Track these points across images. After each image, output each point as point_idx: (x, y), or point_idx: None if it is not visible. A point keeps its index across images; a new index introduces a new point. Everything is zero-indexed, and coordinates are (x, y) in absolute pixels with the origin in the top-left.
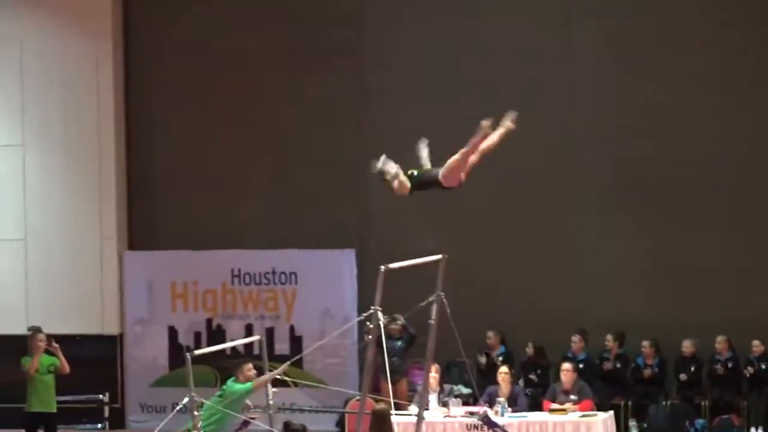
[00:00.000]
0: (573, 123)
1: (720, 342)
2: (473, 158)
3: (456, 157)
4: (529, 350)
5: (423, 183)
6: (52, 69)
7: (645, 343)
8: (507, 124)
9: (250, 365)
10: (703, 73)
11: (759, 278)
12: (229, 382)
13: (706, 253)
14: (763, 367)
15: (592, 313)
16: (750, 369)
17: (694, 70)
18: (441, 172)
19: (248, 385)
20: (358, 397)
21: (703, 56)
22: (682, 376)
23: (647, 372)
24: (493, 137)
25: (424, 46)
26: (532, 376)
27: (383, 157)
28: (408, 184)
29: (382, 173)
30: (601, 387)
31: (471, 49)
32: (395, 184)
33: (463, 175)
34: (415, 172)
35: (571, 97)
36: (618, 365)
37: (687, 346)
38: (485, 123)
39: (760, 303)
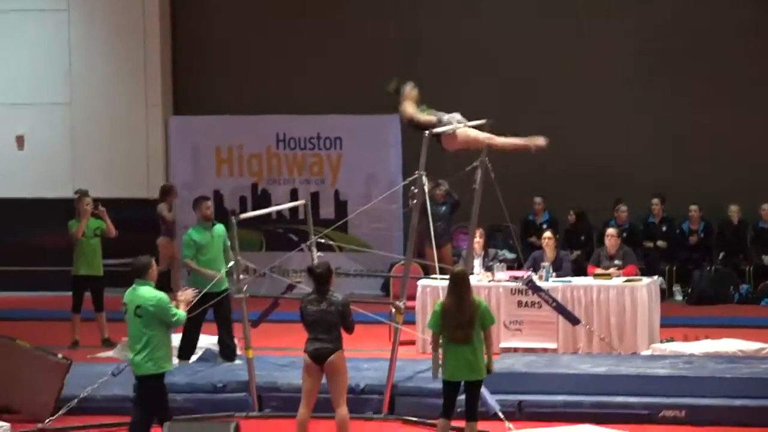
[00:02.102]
0: None
1: (765, 208)
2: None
3: (479, 137)
4: (571, 217)
5: (422, 125)
6: None
7: (693, 207)
8: (534, 143)
9: (209, 203)
10: None
11: None
12: (191, 231)
13: (751, 124)
14: None
15: (634, 178)
16: None
17: None
18: (452, 130)
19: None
20: (402, 261)
21: None
22: (727, 241)
23: (693, 238)
24: (513, 142)
25: None
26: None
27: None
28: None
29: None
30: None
31: None
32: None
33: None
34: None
35: None
36: (664, 229)
37: (734, 211)
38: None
39: None
